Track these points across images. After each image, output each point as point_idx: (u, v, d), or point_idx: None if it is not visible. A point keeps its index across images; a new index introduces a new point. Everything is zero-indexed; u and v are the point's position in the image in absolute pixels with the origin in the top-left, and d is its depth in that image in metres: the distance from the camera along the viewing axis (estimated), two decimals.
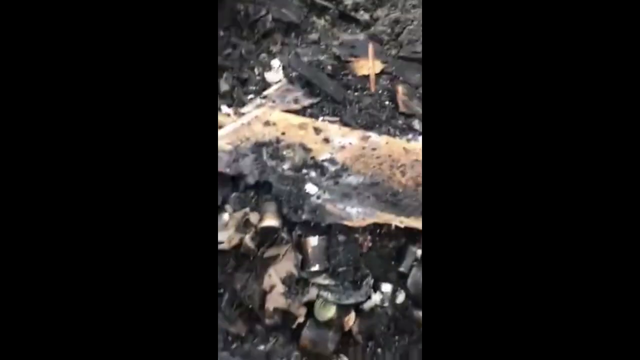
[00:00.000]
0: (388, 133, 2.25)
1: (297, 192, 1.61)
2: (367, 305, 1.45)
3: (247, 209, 1.57)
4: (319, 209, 1.55)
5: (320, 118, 2.33)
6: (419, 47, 2.89)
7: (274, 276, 1.44)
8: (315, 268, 1.46)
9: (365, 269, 1.49)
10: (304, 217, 1.52)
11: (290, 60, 2.74)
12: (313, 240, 1.47)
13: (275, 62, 2.61)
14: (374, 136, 2.04)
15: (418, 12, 3.28)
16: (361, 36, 3.15)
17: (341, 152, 1.90)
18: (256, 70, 2.64)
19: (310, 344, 1.45)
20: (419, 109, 2.40)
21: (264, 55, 2.79)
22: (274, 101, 2.41)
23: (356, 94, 2.55)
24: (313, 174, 1.74)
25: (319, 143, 1.94)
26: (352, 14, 3.31)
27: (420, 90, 2.55)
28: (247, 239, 1.49)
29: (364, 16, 3.27)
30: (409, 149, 1.97)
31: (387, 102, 2.46)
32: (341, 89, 2.55)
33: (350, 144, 1.97)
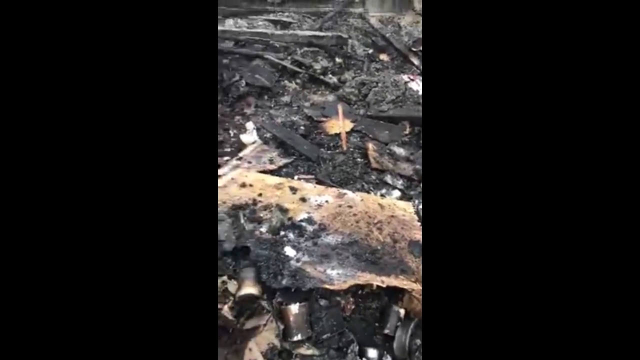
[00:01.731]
0: (362, 189, 2.32)
1: (276, 256, 1.58)
2: None
3: (225, 277, 1.52)
4: (299, 273, 1.52)
5: (296, 177, 2.38)
6: (385, 107, 3.12)
7: (255, 350, 1.35)
8: (298, 337, 1.39)
9: (349, 334, 1.44)
10: (284, 282, 1.48)
11: (264, 121, 2.85)
12: (294, 308, 1.42)
13: (250, 125, 2.70)
14: (349, 193, 2.10)
15: (382, 75, 3.59)
16: (331, 97, 3.38)
17: (318, 210, 1.92)
18: (231, 132, 2.72)
19: None
20: (390, 164, 2.52)
21: (238, 117, 2.90)
22: (249, 162, 2.45)
23: (329, 152, 2.65)
24: (291, 235, 1.73)
25: (295, 202, 1.96)
26: (321, 77, 3.58)
27: (389, 146, 2.71)
28: (226, 309, 1.42)
29: (332, 79, 3.53)
30: (384, 204, 2.02)
31: (359, 159, 2.58)
32: (315, 147, 2.66)
33: (326, 202, 2.00)
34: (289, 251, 1.62)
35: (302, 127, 2.84)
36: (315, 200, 2.01)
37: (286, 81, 3.41)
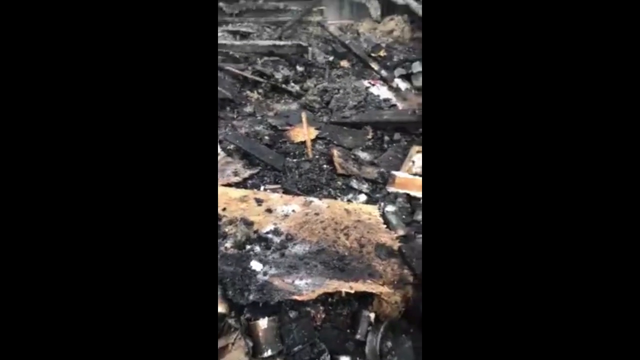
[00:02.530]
0: (329, 195, 2.33)
1: (242, 272, 1.55)
2: None
3: None
4: (267, 286, 1.49)
5: (262, 187, 2.36)
6: (347, 113, 3.17)
7: None
8: (268, 353, 1.37)
9: (320, 344, 1.42)
10: (251, 297, 1.45)
11: (227, 133, 2.81)
12: (263, 323, 1.39)
13: None
14: (315, 201, 2.10)
15: (343, 82, 3.65)
16: (294, 106, 3.38)
17: (285, 221, 1.91)
18: None
19: None
20: (355, 169, 2.55)
21: None
22: None
23: (295, 160, 2.65)
24: (257, 248, 1.70)
25: (261, 214, 1.94)
26: (284, 86, 3.58)
27: (354, 151, 2.75)
28: None
29: (294, 87, 3.54)
30: (350, 209, 2.04)
31: (325, 166, 2.59)
32: (280, 156, 2.64)
33: (293, 211, 1.99)
34: (256, 265, 1.59)
35: (266, 137, 2.81)
36: (281, 210, 1.99)
37: (248, 91, 3.38)
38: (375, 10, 4.69)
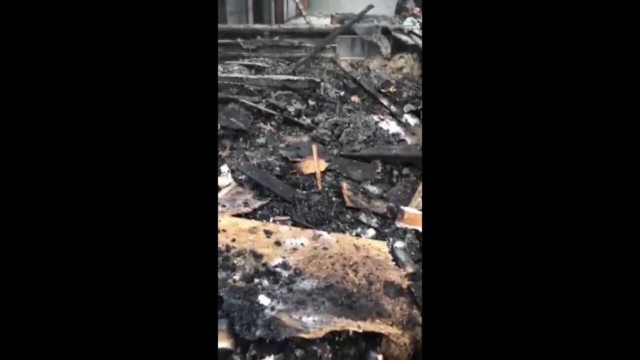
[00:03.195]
0: (338, 228, 2.33)
1: (250, 306, 1.54)
2: None
3: None
4: (274, 322, 1.48)
5: (271, 219, 2.38)
6: (357, 146, 3.23)
7: None
8: None
9: None
10: (258, 333, 1.43)
11: (239, 164, 2.87)
12: None
13: (224, 167, 2.71)
14: (324, 234, 2.10)
15: (353, 116, 3.75)
16: (305, 138, 3.47)
17: (293, 254, 1.91)
18: None
19: None
20: (364, 202, 2.57)
21: None
22: (224, 205, 2.43)
23: (304, 192, 2.68)
24: (266, 282, 1.69)
25: (270, 247, 1.94)
26: (296, 119, 3.69)
27: (363, 185, 2.78)
28: None
29: (306, 121, 3.65)
30: (358, 245, 2.04)
31: (334, 198, 2.61)
32: (290, 188, 2.68)
33: (302, 245, 1.99)
34: (263, 299, 1.58)
35: (277, 168, 2.87)
36: (290, 243, 2.00)
37: (261, 123, 3.49)
38: (385, 48, 4.89)
